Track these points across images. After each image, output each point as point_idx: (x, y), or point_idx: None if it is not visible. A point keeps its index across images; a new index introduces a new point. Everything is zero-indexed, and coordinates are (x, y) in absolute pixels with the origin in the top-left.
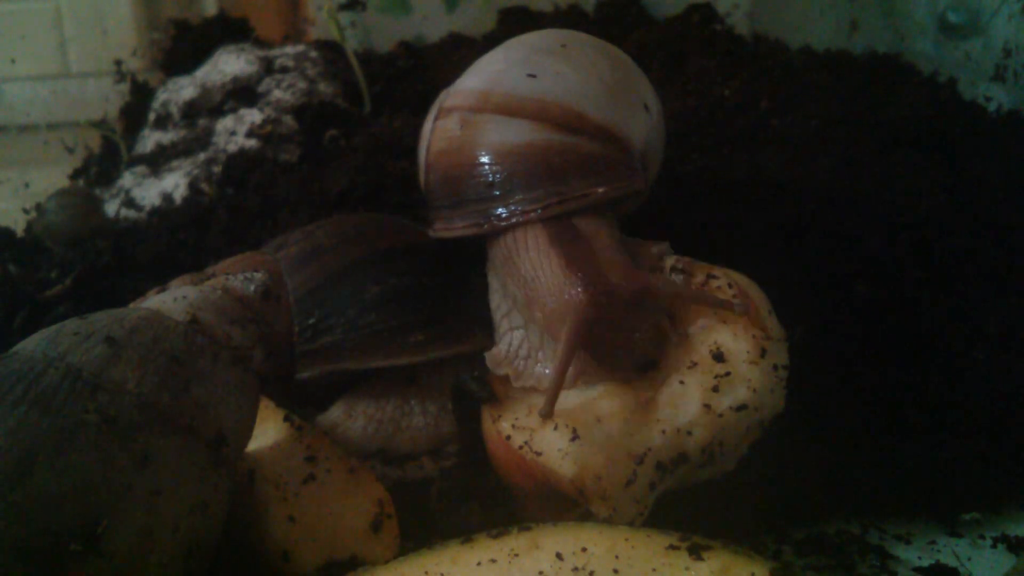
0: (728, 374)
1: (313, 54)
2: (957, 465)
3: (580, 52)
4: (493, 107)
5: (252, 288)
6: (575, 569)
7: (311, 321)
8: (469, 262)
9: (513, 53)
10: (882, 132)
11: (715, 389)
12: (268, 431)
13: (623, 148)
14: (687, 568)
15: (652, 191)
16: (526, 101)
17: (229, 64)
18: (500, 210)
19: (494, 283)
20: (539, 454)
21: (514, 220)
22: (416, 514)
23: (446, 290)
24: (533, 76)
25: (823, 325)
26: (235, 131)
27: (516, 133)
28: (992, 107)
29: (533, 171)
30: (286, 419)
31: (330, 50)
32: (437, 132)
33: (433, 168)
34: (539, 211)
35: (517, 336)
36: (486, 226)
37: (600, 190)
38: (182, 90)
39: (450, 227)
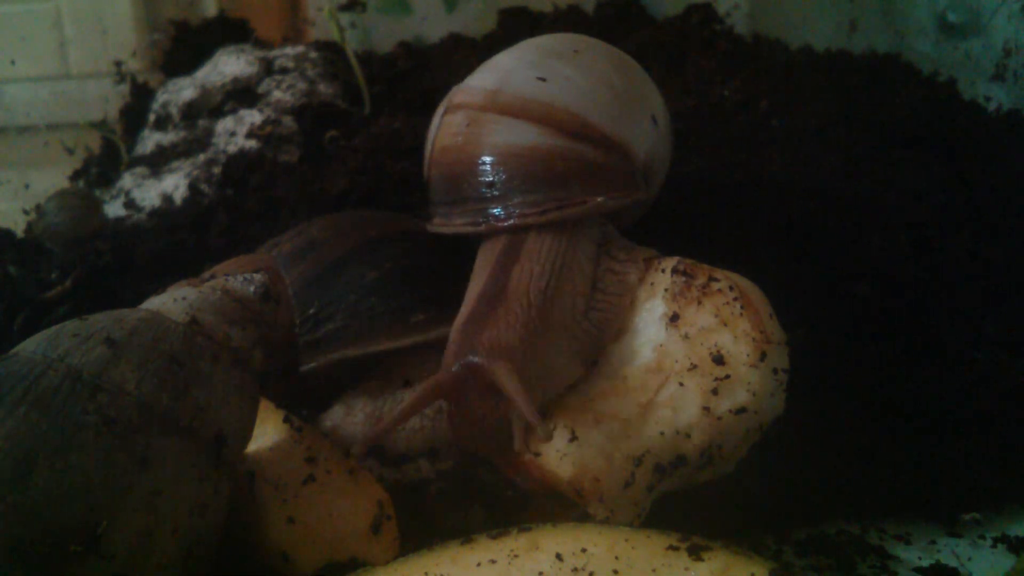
0: (728, 377)
1: (313, 55)
2: (957, 465)
3: (592, 59)
4: (500, 107)
5: (252, 289)
6: (575, 570)
7: (311, 311)
8: (464, 249)
9: (525, 54)
10: (882, 132)
11: (715, 392)
12: (268, 432)
13: (626, 158)
14: (687, 568)
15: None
16: (533, 104)
17: (229, 65)
18: (498, 210)
19: None
20: (537, 454)
21: (512, 222)
22: (416, 515)
23: (443, 272)
24: (543, 79)
25: (823, 325)
26: (235, 132)
27: (521, 135)
28: (992, 107)
29: (535, 174)
30: (286, 420)
31: (330, 50)
32: (443, 128)
33: (436, 163)
34: (538, 215)
35: None
36: (483, 226)
37: (599, 199)
38: (182, 91)
39: (448, 223)
